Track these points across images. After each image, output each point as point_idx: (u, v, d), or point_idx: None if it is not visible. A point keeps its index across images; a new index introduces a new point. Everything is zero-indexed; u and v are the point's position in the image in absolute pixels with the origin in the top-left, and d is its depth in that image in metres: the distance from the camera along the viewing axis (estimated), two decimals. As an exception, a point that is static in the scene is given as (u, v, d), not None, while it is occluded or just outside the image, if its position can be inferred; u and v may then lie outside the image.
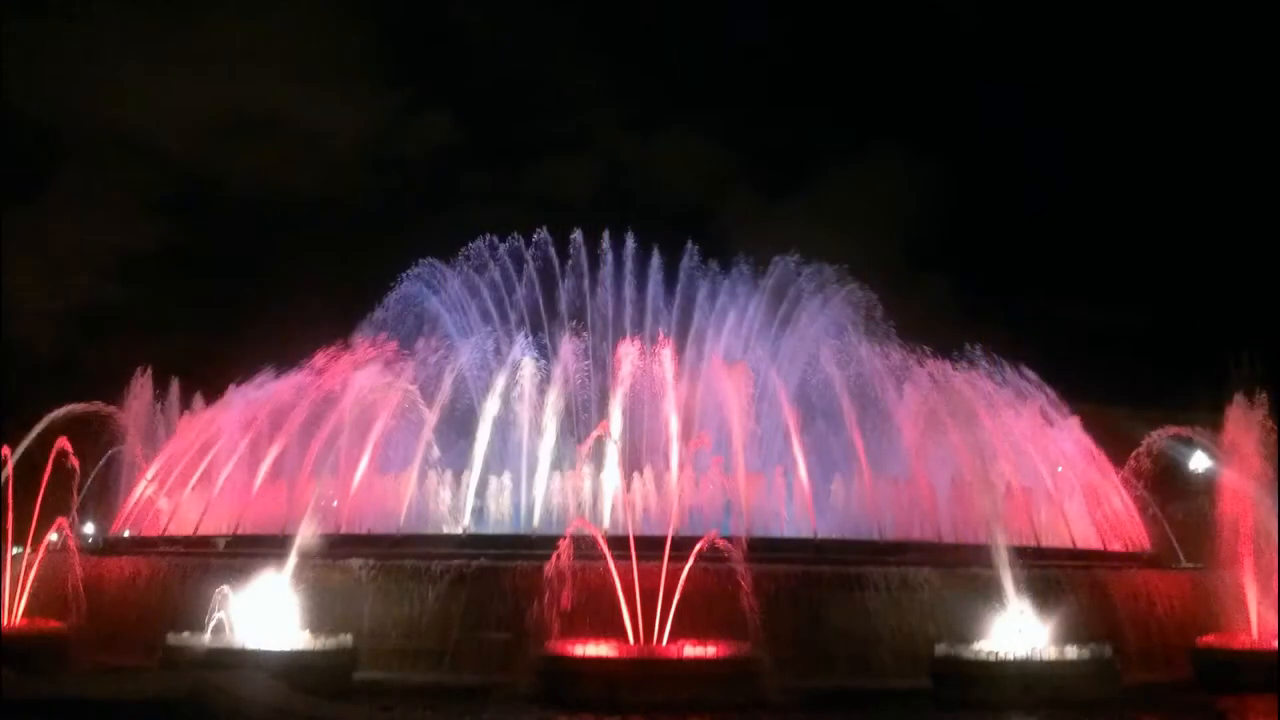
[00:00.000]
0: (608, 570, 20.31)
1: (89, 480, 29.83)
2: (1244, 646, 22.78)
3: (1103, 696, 19.61)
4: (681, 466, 28.55)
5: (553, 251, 37.37)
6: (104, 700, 12.01)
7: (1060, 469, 31.53)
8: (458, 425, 31.75)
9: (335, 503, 28.44)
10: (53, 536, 25.80)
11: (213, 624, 20.40)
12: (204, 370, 36.13)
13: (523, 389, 31.25)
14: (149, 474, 31.42)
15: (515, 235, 37.35)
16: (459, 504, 28.83)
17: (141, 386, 33.94)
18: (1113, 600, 24.07)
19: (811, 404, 31.73)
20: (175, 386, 35.02)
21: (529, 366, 31.77)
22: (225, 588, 20.91)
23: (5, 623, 23.30)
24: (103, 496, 33.59)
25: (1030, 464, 30.38)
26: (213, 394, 33.55)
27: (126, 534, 31.04)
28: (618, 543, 20.83)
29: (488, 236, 37.27)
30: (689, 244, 37.32)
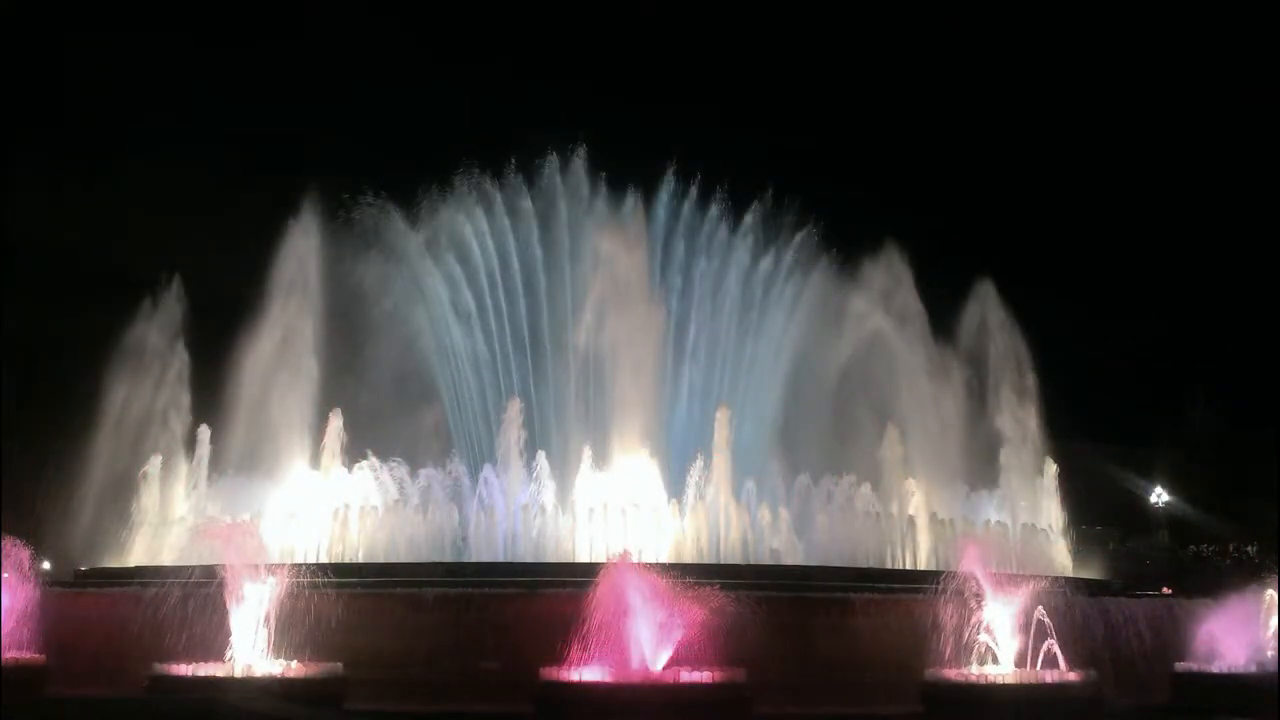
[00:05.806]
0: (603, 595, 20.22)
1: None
2: (1219, 671, 23.47)
3: (1091, 719, 19.96)
4: (671, 498, 28.81)
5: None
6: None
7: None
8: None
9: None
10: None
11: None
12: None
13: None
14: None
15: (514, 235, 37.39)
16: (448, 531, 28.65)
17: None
18: (1093, 626, 24.49)
19: (798, 423, 32.26)
20: None
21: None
22: (209, 617, 20.57)
23: None
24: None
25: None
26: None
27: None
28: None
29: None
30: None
